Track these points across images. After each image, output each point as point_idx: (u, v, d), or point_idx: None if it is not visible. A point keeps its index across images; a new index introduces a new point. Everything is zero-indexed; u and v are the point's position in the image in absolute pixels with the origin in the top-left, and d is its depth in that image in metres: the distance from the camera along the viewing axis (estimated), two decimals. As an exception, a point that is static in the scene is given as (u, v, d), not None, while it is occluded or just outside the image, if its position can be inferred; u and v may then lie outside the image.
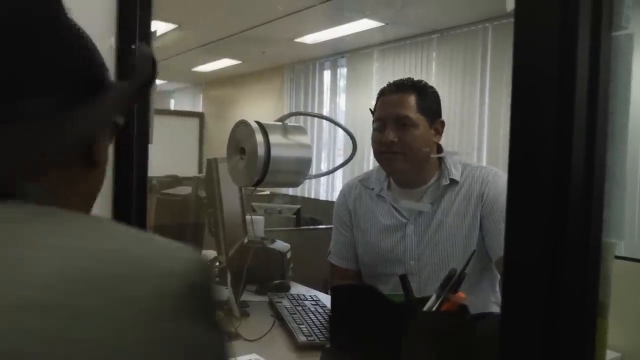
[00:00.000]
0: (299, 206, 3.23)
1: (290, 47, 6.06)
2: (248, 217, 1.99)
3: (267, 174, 1.03)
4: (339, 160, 6.18)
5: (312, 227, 3.18)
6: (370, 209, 1.66)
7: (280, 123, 1.12)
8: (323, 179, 6.04)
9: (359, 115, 5.73)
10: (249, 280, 1.76)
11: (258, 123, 1.07)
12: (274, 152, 1.05)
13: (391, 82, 1.61)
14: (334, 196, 5.93)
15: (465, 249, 1.52)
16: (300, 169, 1.12)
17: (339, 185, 6.00)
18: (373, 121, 1.58)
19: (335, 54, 6.41)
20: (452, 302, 0.90)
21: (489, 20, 4.82)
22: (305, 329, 1.47)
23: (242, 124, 1.10)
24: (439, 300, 0.91)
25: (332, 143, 6.34)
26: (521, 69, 0.50)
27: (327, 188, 6.32)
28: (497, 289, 1.60)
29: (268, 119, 1.11)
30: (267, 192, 4.21)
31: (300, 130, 1.16)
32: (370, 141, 1.62)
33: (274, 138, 1.06)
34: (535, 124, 0.49)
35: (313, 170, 1.47)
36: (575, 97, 0.47)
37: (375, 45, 5.83)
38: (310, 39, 5.68)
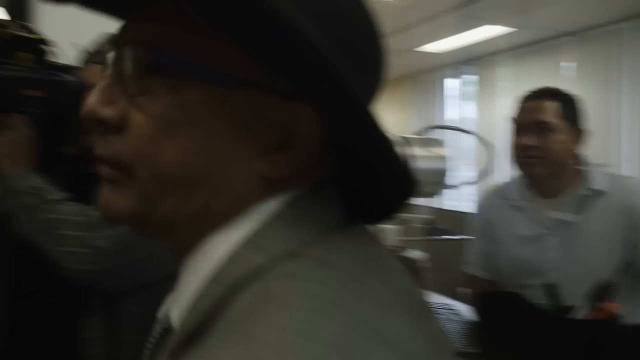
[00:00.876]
0: (432, 217, 3.23)
1: (414, 56, 6.06)
2: (380, 225, 2.05)
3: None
4: (465, 170, 6.05)
5: (443, 237, 3.18)
6: (508, 220, 1.65)
7: (421, 136, 1.18)
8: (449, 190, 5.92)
9: (490, 123, 5.58)
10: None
11: (400, 136, 1.14)
12: (415, 163, 1.11)
13: (532, 89, 1.61)
14: (463, 207, 5.81)
15: (610, 261, 1.45)
16: (439, 180, 1.17)
17: (467, 196, 5.87)
18: (513, 128, 1.59)
19: (462, 61, 6.30)
20: (604, 311, 0.89)
21: (626, 20, 4.49)
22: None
23: (384, 138, 1.17)
24: (590, 309, 0.90)
25: (458, 153, 6.23)
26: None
27: (455, 198, 6.20)
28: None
29: (393, 130, 1.17)
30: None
31: (439, 142, 1.21)
32: (502, 150, 1.62)
33: (415, 150, 1.12)
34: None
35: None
36: None
37: (504, 51, 5.66)
38: (435, 47, 5.65)
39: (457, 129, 1.41)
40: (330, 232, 0.40)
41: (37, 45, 1.04)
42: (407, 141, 1.12)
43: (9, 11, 1.85)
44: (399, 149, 0.37)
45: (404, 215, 3.36)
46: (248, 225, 0.39)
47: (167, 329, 0.45)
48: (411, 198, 0.44)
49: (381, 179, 0.43)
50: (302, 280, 0.35)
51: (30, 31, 1.05)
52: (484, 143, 1.35)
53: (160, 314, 0.49)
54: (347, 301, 0.33)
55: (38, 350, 0.70)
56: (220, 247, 0.39)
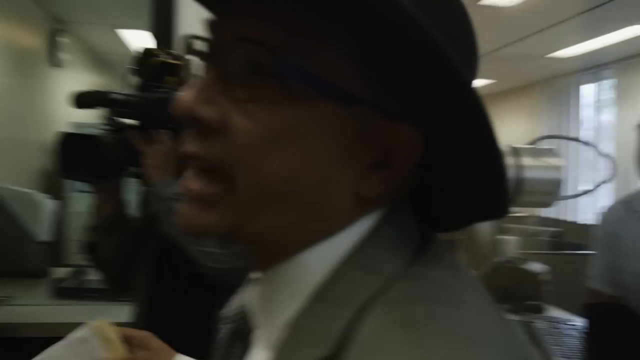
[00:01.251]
0: (559, 229, 3.07)
1: (544, 62, 5.80)
2: (499, 237, 2.03)
3: (518, 195, 1.10)
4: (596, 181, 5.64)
5: (569, 252, 3.01)
6: (635, 233, 1.56)
7: (533, 146, 1.18)
8: (585, 201, 5.58)
9: (630, 130, 5.15)
10: (499, 299, 1.80)
11: (510, 146, 1.15)
12: (524, 174, 1.11)
13: None
14: (595, 220, 5.40)
15: None
16: (551, 191, 1.16)
17: (600, 209, 5.45)
18: (638, 135, 1.51)
19: (597, 65, 5.91)
20: None
21: None
22: (560, 350, 1.46)
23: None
24: None
25: (594, 163, 5.83)
26: None
27: (590, 211, 5.80)
28: None
29: (520, 139, 1.18)
30: (524, 214, 4.08)
31: (552, 152, 1.20)
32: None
33: (525, 160, 1.12)
34: None
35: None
36: None
37: (647, 52, 5.23)
38: (567, 52, 5.37)
39: (573, 139, 1.37)
40: (420, 246, 0.39)
41: (181, 70, 1.20)
42: (516, 151, 1.13)
43: (156, 37, 2.10)
44: (506, 163, 0.37)
45: (527, 226, 3.24)
46: (348, 243, 0.38)
47: (238, 332, 0.48)
48: (498, 214, 0.41)
49: (469, 193, 0.40)
50: (428, 302, 0.34)
51: (175, 57, 1.21)
52: (603, 155, 1.31)
53: (228, 313, 0.50)
54: (480, 325, 0.33)
55: (174, 337, 0.82)
56: (318, 264, 0.38)
